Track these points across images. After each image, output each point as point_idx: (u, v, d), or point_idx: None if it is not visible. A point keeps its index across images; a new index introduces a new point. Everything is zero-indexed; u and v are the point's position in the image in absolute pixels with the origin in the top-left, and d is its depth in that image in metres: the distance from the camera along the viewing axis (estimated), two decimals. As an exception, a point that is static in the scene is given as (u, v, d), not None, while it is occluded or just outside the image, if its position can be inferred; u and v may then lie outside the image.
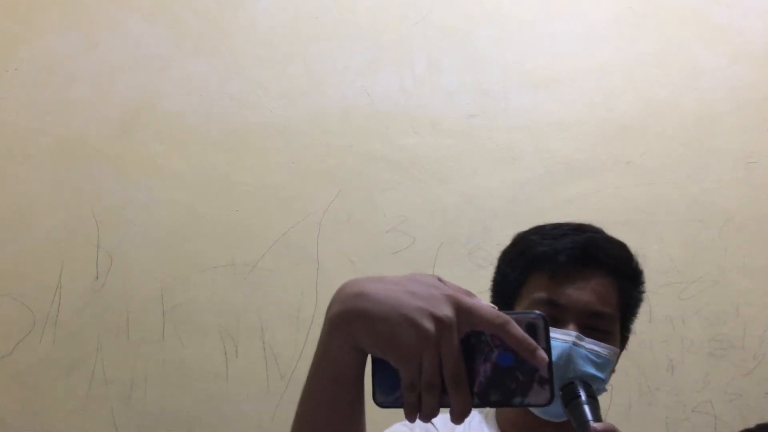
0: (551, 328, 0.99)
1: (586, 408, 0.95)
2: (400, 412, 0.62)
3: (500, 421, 1.13)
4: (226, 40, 2.15)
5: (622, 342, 1.12)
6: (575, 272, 1.05)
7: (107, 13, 2.16)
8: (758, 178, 2.04)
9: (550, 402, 0.60)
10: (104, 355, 1.95)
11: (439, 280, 0.63)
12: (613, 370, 1.10)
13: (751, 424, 1.22)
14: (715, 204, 2.02)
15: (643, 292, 1.15)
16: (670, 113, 2.09)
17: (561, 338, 1.00)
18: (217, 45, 2.15)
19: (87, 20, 2.16)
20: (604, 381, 1.03)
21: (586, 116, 2.09)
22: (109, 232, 2.02)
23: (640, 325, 1.95)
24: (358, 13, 2.16)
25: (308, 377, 0.67)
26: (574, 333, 1.01)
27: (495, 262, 1.18)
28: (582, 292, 1.04)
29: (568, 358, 0.99)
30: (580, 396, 0.96)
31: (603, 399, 1.92)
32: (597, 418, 0.94)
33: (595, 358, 1.01)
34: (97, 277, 1.99)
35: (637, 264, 1.14)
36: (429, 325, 0.59)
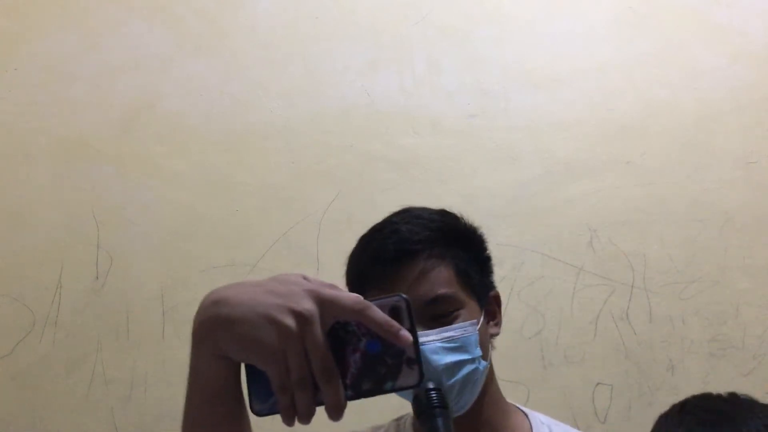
0: None
1: (439, 420, 0.89)
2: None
3: (416, 427, 1.11)
4: (226, 40, 2.15)
5: (492, 303, 1.09)
6: (395, 271, 1.02)
7: (107, 13, 2.16)
8: (758, 178, 2.04)
9: (419, 382, 0.59)
10: (104, 355, 1.95)
11: (304, 277, 0.62)
12: (496, 333, 1.07)
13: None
14: (715, 204, 2.02)
15: (478, 245, 1.11)
16: (670, 113, 2.09)
17: None
18: (217, 45, 2.15)
19: (87, 20, 2.16)
20: (473, 359, 1.00)
21: (586, 116, 2.09)
22: (109, 232, 2.02)
23: (640, 325, 1.97)
24: (358, 13, 2.16)
25: (186, 395, 0.66)
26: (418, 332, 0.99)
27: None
28: (407, 288, 1.00)
29: (425, 360, 0.96)
30: (434, 407, 0.91)
31: (603, 399, 1.94)
32: (447, 430, 0.92)
33: (450, 344, 0.98)
34: (97, 277, 1.99)
35: (456, 227, 1.10)
36: (289, 321, 0.58)
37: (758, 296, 1.97)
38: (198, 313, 0.62)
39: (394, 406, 1.08)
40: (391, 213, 1.13)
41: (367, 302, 0.60)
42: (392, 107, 2.10)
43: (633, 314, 1.96)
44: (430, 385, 0.93)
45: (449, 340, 0.98)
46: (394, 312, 0.60)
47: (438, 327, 0.99)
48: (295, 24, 2.16)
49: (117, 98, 2.11)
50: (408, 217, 1.09)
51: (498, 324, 1.10)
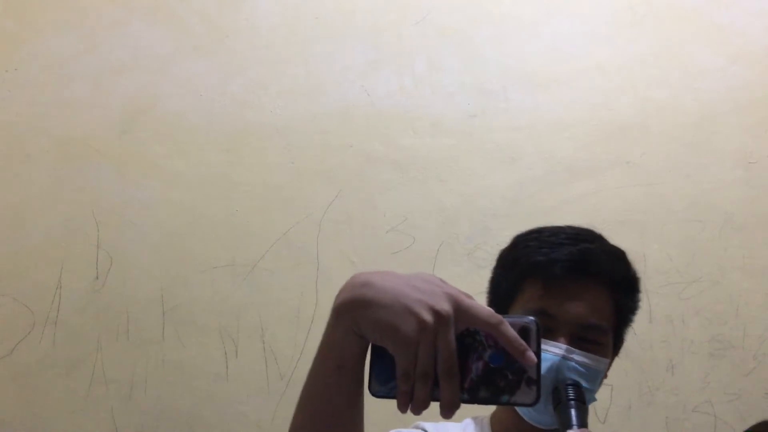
0: (545, 340, 0.99)
1: (573, 411, 0.95)
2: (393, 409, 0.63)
3: (495, 428, 1.14)
4: (226, 40, 2.15)
5: (615, 350, 1.13)
6: (570, 284, 1.05)
7: (107, 13, 2.16)
8: (758, 178, 2.04)
9: (536, 402, 0.62)
10: (104, 355, 1.95)
11: (442, 281, 0.66)
12: (605, 376, 1.10)
13: (751, 424, 1.21)
14: (715, 204, 2.02)
15: (638, 300, 1.16)
16: (670, 113, 2.08)
17: (551, 350, 1.01)
18: (217, 45, 2.15)
19: (87, 20, 2.16)
20: (593, 391, 1.04)
21: (586, 116, 2.09)
22: (109, 232, 2.02)
23: (640, 325, 1.96)
24: (358, 13, 2.16)
25: (313, 362, 0.70)
26: (564, 346, 1.02)
27: (495, 262, 1.18)
28: (575, 305, 1.05)
29: (557, 369, 1.00)
30: (570, 399, 0.97)
31: (603, 399, 1.93)
32: (582, 423, 0.95)
33: (584, 370, 1.02)
34: (97, 277, 1.99)
35: (633, 273, 1.15)
36: (428, 316, 0.62)
37: (758, 296, 1.96)
38: (343, 290, 0.67)
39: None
40: (571, 225, 1.15)
41: (500, 317, 0.63)
42: (392, 107, 2.10)
43: (633, 314, 1.96)
44: (570, 381, 0.98)
45: (587, 366, 1.02)
46: (523, 332, 0.64)
47: (583, 350, 1.03)
48: (295, 24, 2.16)
49: (117, 98, 2.11)
50: (595, 240, 1.13)
51: (608, 370, 1.13)
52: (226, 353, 1.95)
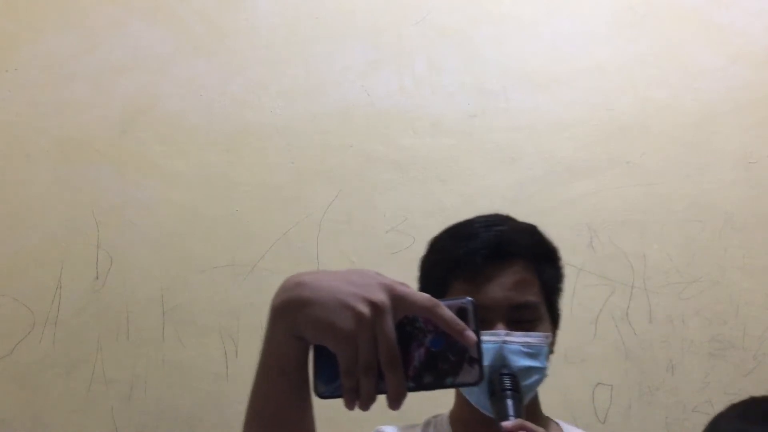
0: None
1: (509, 402, 0.96)
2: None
3: (453, 425, 1.15)
4: (226, 40, 2.15)
5: (554, 322, 1.14)
6: (492, 270, 1.06)
7: (107, 13, 2.16)
8: (758, 178, 2.04)
9: (480, 380, 0.62)
10: (104, 355, 1.95)
11: (378, 273, 0.66)
12: (552, 352, 1.11)
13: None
14: (715, 204, 2.02)
15: (561, 268, 1.18)
16: (670, 113, 2.08)
17: (491, 339, 1.01)
18: (217, 45, 2.15)
19: (87, 20, 2.16)
20: (542, 368, 1.05)
21: (586, 116, 2.09)
22: (109, 232, 2.02)
23: (640, 325, 1.97)
24: (358, 13, 2.16)
25: (256, 370, 0.70)
26: (503, 331, 1.02)
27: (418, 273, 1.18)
28: (501, 289, 1.06)
29: (501, 356, 1.01)
30: (505, 390, 0.97)
31: (603, 399, 1.93)
32: (518, 412, 0.95)
33: (527, 350, 1.03)
34: (97, 277, 1.99)
35: (549, 244, 1.16)
36: (364, 308, 0.61)
37: (758, 296, 1.96)
38: (278, 293, 0.67)
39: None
40: (478, 215, 1.16)
41: (436, 300, 0.63)
42: (392, 107, 2.10)
43: (633, 314, 1.96)
44: (505, 370, 0.99)
45: (528, 345, 1.03)
46: (461, 313, 0.64)
47: (521, 331, 1.04)
48: (295, 24, 2.16)
49: (117, 98, 2.11)
50: (505, 222, 1.14)
51: (554, 344, 1.14)
52: (226, 353, 1.95)
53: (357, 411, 0.64)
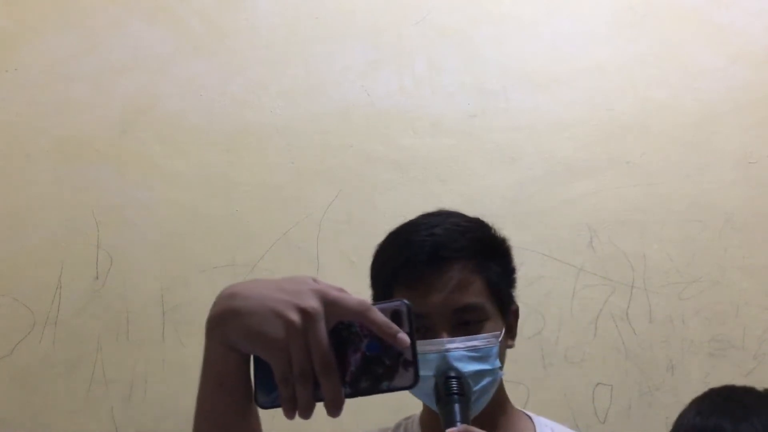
0: (423, 341, 0.97)
1: (456, 407, 0.94)
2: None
3: (423, 427, 1.14)
4: (226, 40, 2.15)
5: (510, 315, 1.11)
6: (430, 276, 1.04)
7: (107, 13, 2.16)
8: (758, 178, 2.04)
9: (414, 384, 0.61)
10: (104, 355, 1.95)
11: (314, 279, 0.65)
12: (510, 345, 1.09)
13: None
14: (715, 204, 2.02)
15: (509, 260, 1.13)
16: (670, 113, 2.08)
17: (432, 348, 0.99)
18: (217, 45, 2.15)
19: (87, 20, 2.16)
20: (493, 370, 1.03)
21: (586, 116, 2.09)
22: (109, 232, 2.02)
23: (640, 325, 1.97)
24: (358, 13, 2.16)
25: (199, 384, 0.69)
26: (444, 339, 1.00)
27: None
28: (440, 294, 1.03)
29: (446, 365, 0.98)
30: (450, 394, 0.95)
31: (603, 399, 1.93)
32: (464, 417, 0.93)
33: (474, 353, 1.00)
34: (97, 277, 1.99)
35: (490, 237, 1.12)
36: (294, 316, 0.61)
37: (758, 296, 1.96)
38: (213, 305, 0.67)
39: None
40: (424, 213, 1.15)
41: (369, 304, 0.62)
42: (392, 107, 2.10)
43: (633, 314, 1.97)
44: (452, 374, 0.97)
45: (473, 349, 1.01)
46: (395, 316, 0.63)
47: (464, 335, 1.01)
48: (295, 24, 2.16)
49: (117, 98, 2.11)
50: (444, 221, 1.10)
51: (513, 337, 1.12)
52: (226, 353, 1.95)
53: (343, 419, 0.63)
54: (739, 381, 1.89)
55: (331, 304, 0.62)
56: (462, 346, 1.00)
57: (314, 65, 2.13)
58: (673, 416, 1.84)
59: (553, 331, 1.95)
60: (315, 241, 2.02)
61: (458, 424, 0.91)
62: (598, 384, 1.93)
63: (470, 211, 1.94)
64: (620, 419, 1.90)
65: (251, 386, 0.67)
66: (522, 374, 1.89)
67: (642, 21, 2.14)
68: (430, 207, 2.02)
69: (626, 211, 2.02)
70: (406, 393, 0.66)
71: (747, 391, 1.15)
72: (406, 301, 0.64)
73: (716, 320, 1.95)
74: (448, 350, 0.99)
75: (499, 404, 1.09)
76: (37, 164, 2.06)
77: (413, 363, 0.61)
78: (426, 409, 1.12)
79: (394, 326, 0.62)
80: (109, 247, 2.01)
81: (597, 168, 2.05)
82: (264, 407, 0.65)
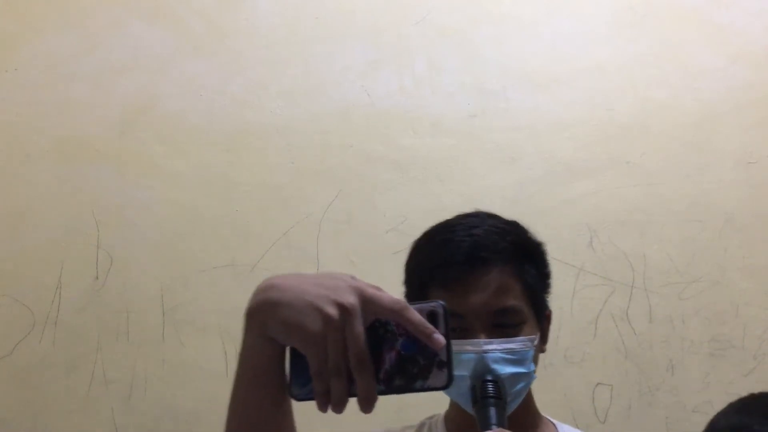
0: (461, 341, 0.98)
1: (492, 410, 0.94)
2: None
3: (448, 427, 1.14)
4: (226, 40, 2.15)
5: (544, 320, 1.11)
6: (468, 277, 1.04)
7: (107, 13, 2.16)
8: (758, 178, 2.04)
9: (448, 385, 0.62)
10: (104, 355, 1.95)
11: (351, 277, 0.66)
12: (543, 350, 1.10)
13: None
14: (715, 204, 2.02)
15: (545, 264, 1.14)
16: (670, 113, 2.08)
17: (470, 349, 0.99)
18: (217, 45, 2.15)
19: (87, 20, 2.16)
20: (528, 373, 1.03)
21: (586, 116, 2.09)
22: (109, 232, 2.02)
23: (640, 325, 1.97)
24: (358, 13, 2.16)
25: (235, 373, 0.71)
26: (481, 340, 1.00)
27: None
28: (479, 296, 1.03)
29: (483, 367, 0.99)
30: (487, 397, 0.95)
31: (603, 399, 1.93)
32: (500, 420, 0.93)
33: (510, 356, 1.00)
34: (97, 277, 1.99)
35: (527, 241, 1.12)
36: (333, 310, 0.62)
37: (758, 296, 1.96)
38: (251, 297, 0.68)
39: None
40: (461, 213, 1.14)
41: (406, 304, 0.63)
42: (392, 107, 2.10)
43: (633, 314, 1.97)
44: (488, 377, 0.97)
45: (511, 352, 1.01)
46: (431, 317, 0.64)
47: (502, 338, 1.01)
48: (295, 24, 2.16)
49: (117, 98, 2.11)
50: (483, 223, 1.10)
51: (545, 341, 1.12)
52: (226, 353, 1.95)
53: (360, 414, 0.63)
54: (739, 381, 1.90)
55: (368, 302, 0.63)
56: (500, 348, 1.01)
57: (314, 65, 2.13)
58: (673, 416, 1.84)
59: (553, 331, 1.93)
60: (315, 241, 2.02)
61: (494, 427, 0.91)
62: (598, 384, 1.93)
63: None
64: (620, 419, 1.90)
65: (286, 378, 0.68)
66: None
67: (642, 21, 2.14)
68: (430, 207, 2.03)
69: (626, 211, 2.02)
70: (416, 394, 0.66)
71: None
72: (442, 302, 0.65)
73: (716, 320, 1.95)
74: (486, 351, 1.00)
75: (528, 408, 1.10)
76: (37, 164, 2.06)
77: (447, 364, 0.62)
78: (453, 409, 1.12)
79: (430, 326, 0.62)
80: (109, 247, 2.01)
81: (597, 168, 2.05)
82: (297, 399, 0.66)
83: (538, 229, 1.99)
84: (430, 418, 1.18)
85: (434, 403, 1.13)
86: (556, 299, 1.95)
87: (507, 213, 2.00)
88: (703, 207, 2.02)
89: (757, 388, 1.78)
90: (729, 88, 2.09)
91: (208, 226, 2.03)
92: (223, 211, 2.04)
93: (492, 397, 0.95)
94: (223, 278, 1.99)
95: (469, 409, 0.99)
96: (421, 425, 1.17)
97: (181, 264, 2.00)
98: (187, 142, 2.08)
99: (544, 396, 1.98)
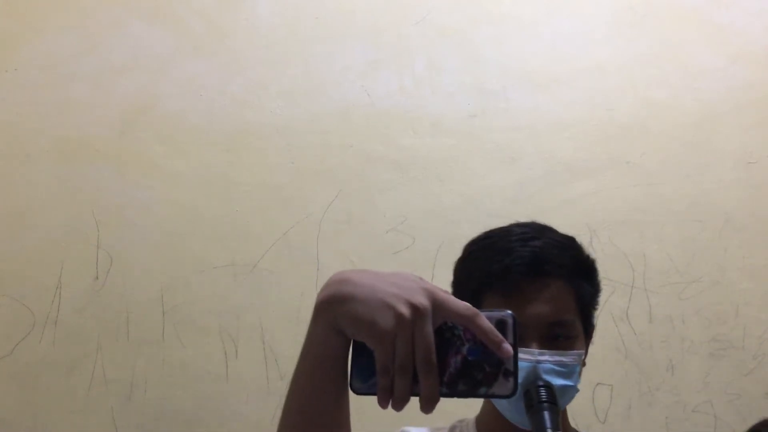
0: None
1: (546, 414, 0.95)
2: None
3: (480, 430, 1.14)
4: (226, 40, 2.15)
5: (588, 337, 1.13)
6: (527, 286, 1.05)
7: (107, 13, 2.16)
8: (758, 178, 2.04)
9: (513, 393, 0.63)
10: (104, 355, 1.95)
11: (420, 278, 0.67)
12: (584, 364, 1.10)
13: (751, 424, 1.22)
14: (714, 204, 2.02)
15: (598, 282, 1.16)
16: (670, 113, 2.09)
17: (525, 357, 1.00)
18: (217, 45, 2.15)
19: (87, 20, 2.16)
20: (575, 386, 1.04)
21: (586, 116, 2.09)
22: (109, 232, 2.02)
23: (640, 325, 1.97)
24: (358, 13, 2.16)
25: (298, 361, 0.71)
26: (536, 350, 1.01)
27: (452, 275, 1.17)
28: (537, 306, 1.04)
29: (534, 376, 1.00)
30: (541, 402, 0.96)
31: (603, 399, 1.93)
32: (554, 424, 0.94)
33: (561, 369, 1.02)
34: (97, 277, 1.99)
35: (586, 258, 1.14)
36: (405, 310, 0.62)
37: (758, 296, 1.96)
38: (323, 288, 0.69)
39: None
40: (517, 222, 1.15)
41: (477, 310, 0.64)
42: (392, 107, 2.10)
43: (633, 314, 1.97)
44: (541, 382, 0.98)
45: (562, 364, 1.02)
46: (500, 325, 0.64)
47: (554, 350, 1.03)
48: (295, 24, 2.16)
49: (117, 98, 2.11)
50: (542, 235, 1.11)
51: (586, 355, 1.13)
52: (226, 353, 1.95)
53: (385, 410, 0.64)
54: (739, 381, 1.90)
55: (439, 305, 0.63)
56: (552, 359, 1.02)
57: (314, 65, 2.13)
58: (673, 416, 1.84)
59: (553, 331, 1.95)
60: (315, 241, 2.02)
61: (549, 431, 0.92)
62: (598, 384, 1.93)
63: (470, 211, 1.96)
64: (620, 419, 1.90)
65: (347, 373, 0.68)
66: (522, 374, 1.88)
67: (642, 21, 2.14)
68: (430, 207, 2.03)
69: (626, 211, 2.02)
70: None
71: None
72: (511, 312, 0.65)
73: (716, 320, 1.96)
74: (539, 362, 1.01)
75: (564, 422, 1.11)
76: (37, 164, 2.06)
77: (513, 373, 0.63)
78: (487, 414, 1.12)
79: (500, 335, 0.63)
80: (109, 247, 2.01)
81: (597, 168, 2.05)
82: (358, 393, 0.67)
83: (538, 229, 2.00)
84: (461, 421, 1.18)
85: (467, 408, 1.13)
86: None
87: (507, 213, 2.01)
88: (703, 207, 2.02)
89: (757, 388, 1.79)
90: (729, 88, 2.09)
91: (208, 226, 2.03)
92: (223, 211, 2.04)
93: (546, 401, 0.96)
94: (223, 278, 1.99)
95: (514, 414, 1.02)
96: (452, 428, 1.18)
97: (181, 264, 2.00)
98: (187, 142, 2.08)
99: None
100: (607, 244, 2.01)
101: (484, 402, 1.14)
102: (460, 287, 1.13)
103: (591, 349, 1.95)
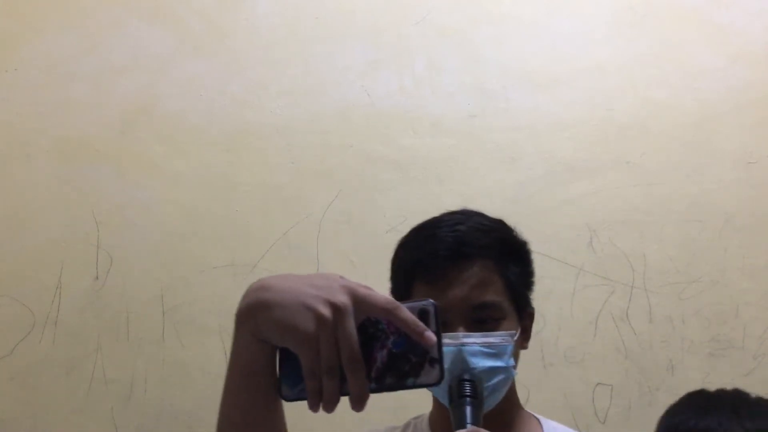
0: None
1: (468, 409, 0.95)
2: None
3: (432, 427, 1.15)
4: (226, 40, 2.15)
5: (526, 318, 1.13)
6: (451, 271, 1.05)
7: (107, 13, 2.16)
8: (758, 178, 2.04)
9: (440, 380, 0.62)
10: (104, 355, 1.95)
11: (341, 277, 0.66)
12: (524, 347, 1.11)
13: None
14: (714, 204, 2.02)
15: (529, 263, 1.15)
16: (670, 113, 2.08)
17: (449, 342, 1.00)
18: (217, 45, 2.15)
19: (87, 20, 2.16)
20: (507, 367, 1.04)
21: (586, 116, 2.09)
22: (109, 232, 2.02)
23: (640, 325, 1.97)
24: (358, 13, 2.16)
25: (225, 377, 0.70)
26: (459, 333, 1.02)
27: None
28: (460, 289, 1.05)
29: (460, 359, 1.00)
30: (463, 396, 0.97)
31: (603, 399, 1.93)
32: (475, 420, 0.94)
33: (488, 350, 1.02)
34: (97, 277, 1.99)
35: (512, 239, 1.14)
36: (325, 310, 0.62)
37: (758, 296, 1.96)
38: (243, 297, 0.67)
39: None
40: (447, 211, 1.15)
41: (397, 303, 0.64)
42: (392, 107, 2.10)
43: (633, 314, 1.97)
44: (465, 376, 0.98)
45: (489, 345, 1.02)
46: (422, 315, 0.64)
47: (481, 332, 1.03)
48: (295, 24, 2.16)
49: (117, 98, 2.11)
50: (468, 219, 1.12)
51: (527, 339, 1.14)
52: (226, 353, 1.94)
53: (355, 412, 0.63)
54: (739, 381, 1.89)
55: (360, 301, 0.63)
56: (478, 341, 1.02)
57: (314, 65, 2.13)
58: (673, 416, 1.82)
59: (553, 331, 1.95)
60: (315, 241, 2.02)
61: (468, 426, 0.92)
62: (598, 384, 1.93)
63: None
64: (620, 419, 1.90)
65: (276, 376, 0.68)
66: (522, 374, 1.86)
67: (642, 21, 2.14)
68: (430, 207, 2.01)
69: (626, 211, 2.02)
70: (405, 393, 0.66)
71: (730, 394, 1.16)
72: (433, 300, 0.65)
73: (716, 320, 1.95)
74: (464, 344, 1.01)
75: (510, 405, 1.11)
76: (37, 164, 2.06)
77: (439, 360, 0.63)
78: (436, 408, 1.13)
79: (422, 324, 0.63)
80: (109, 247, 2.01)
81: (597, 168, 2.05)
82: (288, 400, 0.66)
83: (538, 229, 2.00)
84: (416, 418, 1.19)
85: (429, 403, 1.13)
86: (556, 299, 1.97)
87: (507, 213, 2.00)
88: (703, 207, 2.02)
89: (757, 388, 1.79)
90: (729, 88, 2.09)
91: (208, 226, 2.03)
92: (223, 211, 2.04)
93: (468, 396, 0.96)
94: (223, 278, 1.99)
95: (448, 402, 1.01)
96: (407, 425, 1.18)
97: (181, 264, 2.00)
98: (187, 142, 2.08)
99: (544, 396, 1.98)
100: (607, 244, 2.01)
101: (434, 398, 1.14)
102: (393, 280, 1.14)
103: (591, 348, 1.95)
